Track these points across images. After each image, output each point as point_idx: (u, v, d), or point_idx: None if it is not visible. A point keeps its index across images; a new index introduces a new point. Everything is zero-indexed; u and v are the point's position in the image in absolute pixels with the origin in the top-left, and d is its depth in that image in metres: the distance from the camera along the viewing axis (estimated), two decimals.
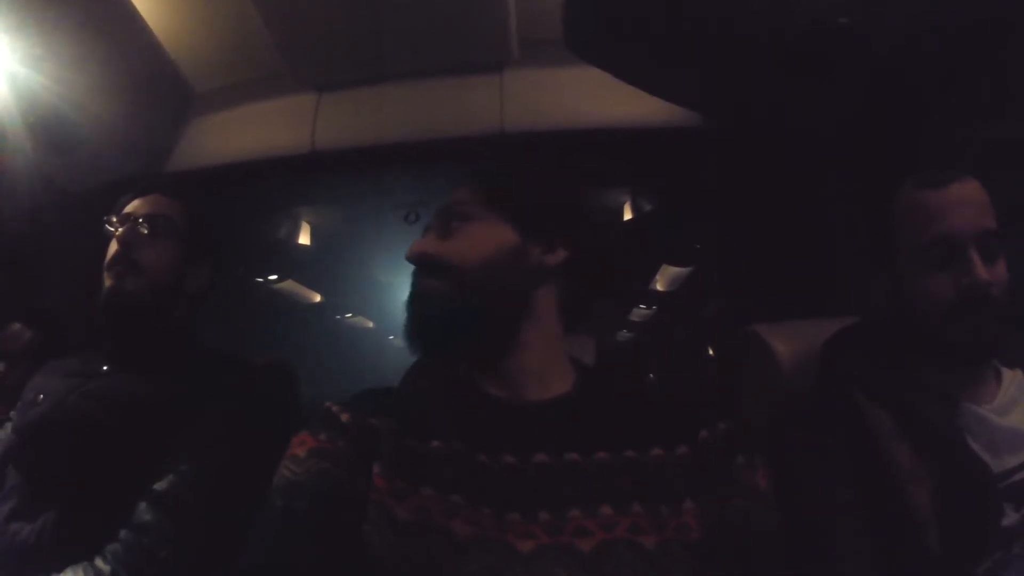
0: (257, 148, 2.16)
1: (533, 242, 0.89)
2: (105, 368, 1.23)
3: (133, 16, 1.70)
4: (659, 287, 4.95)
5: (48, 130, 1.66)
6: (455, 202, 0.91)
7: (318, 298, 6.06)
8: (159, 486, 1.08)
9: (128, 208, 1.27)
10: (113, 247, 1.23)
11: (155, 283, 1.24)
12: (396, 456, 0.79)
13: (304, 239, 4.16)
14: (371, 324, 7.72)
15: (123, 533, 1.05)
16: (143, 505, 1.07)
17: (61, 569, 1.01)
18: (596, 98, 1.97)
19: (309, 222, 4.14)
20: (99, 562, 1.02)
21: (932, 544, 0.87)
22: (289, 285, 5.40)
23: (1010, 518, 0.89)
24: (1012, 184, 1.06)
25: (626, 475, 0.77)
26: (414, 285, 0.90)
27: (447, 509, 0.74)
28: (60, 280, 1.83)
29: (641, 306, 5.90)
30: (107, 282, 1.22)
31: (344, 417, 0.84)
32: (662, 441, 0.81)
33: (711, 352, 4.50)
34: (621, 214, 3.49)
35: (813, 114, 1.55)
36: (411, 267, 0.91)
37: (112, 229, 1.24)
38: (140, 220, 1.24)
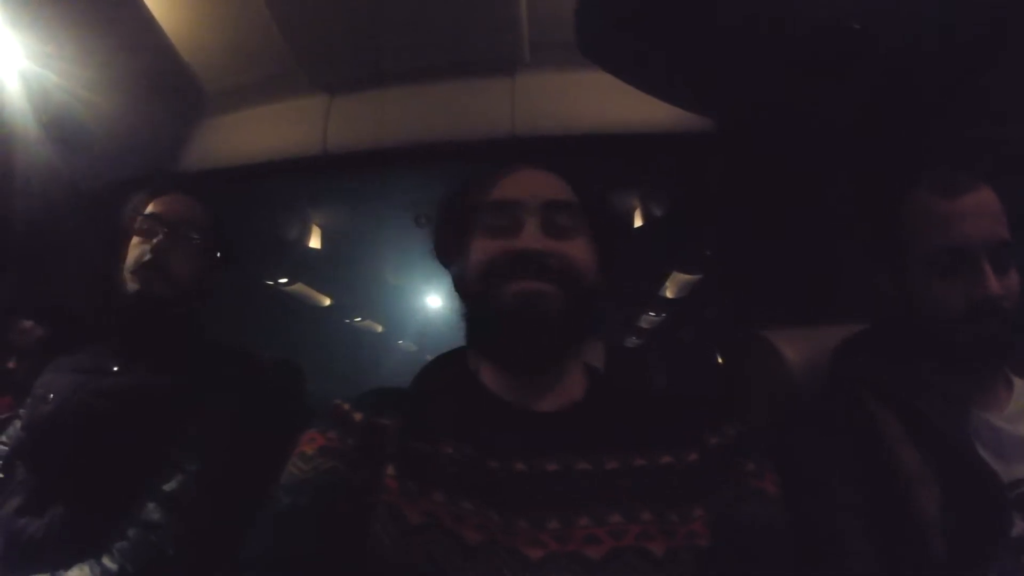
0: (269, 149, 2.18)
1: (602, 266, 0.88)
2: (116, 367, 1.23)
3: (145, 16, 1.71)
4: (668, 293, 4.94)
5: (60, 127, 1.67)
6: (561, 201, 0.87)
7: (328, 301, 6.06)
8: (168, 486, 1.08)
9: (152, 208, 1.26)
10: (139, 249, 1.23)
11: (181, 287, 1.24)
12: (407, 458, 0.79)
13: (314, 242, 4.17)
14: (380, 328, 7.73)
15: (131, 531, 1.05)
16: (151, 504, 1.07)
17: (68, 564, 1.01)
18: (607, 102, 1.97)
19: (319, 224, 4.16)
20: (107, 560, 1.02)
21: (938, 550, 0.86)
22: (299, 288, 5.41)
23: (1019, 528, 0.88)
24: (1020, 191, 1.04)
25: (636, 483, 0.77)
26: (519, 283, 0.81)
27: (457, 514, 0.74)
28: (71, 276, 1.84)
29: (650, 313, 5.89)
30: (133, 284, 1.22)
31: (356, 416, 0.84)
32: (671, 448, 0.80)
33: (720, 359, 4.48)
34: (632, 219, 3.49)
35: (823, 116, 1.55)
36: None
37: (140, 230, 1.24)
38: (173, 226, 1.24)
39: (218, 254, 1.31)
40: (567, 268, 0.82)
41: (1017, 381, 1.01)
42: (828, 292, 1.68)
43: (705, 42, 1.43)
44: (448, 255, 0.94)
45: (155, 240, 1.22)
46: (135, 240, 1.24)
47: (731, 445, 0.82)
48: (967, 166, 1.01)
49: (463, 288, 0.89)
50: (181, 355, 1.23)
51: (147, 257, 1.21)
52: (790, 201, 1.82)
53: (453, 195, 0.94)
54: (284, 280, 5.13)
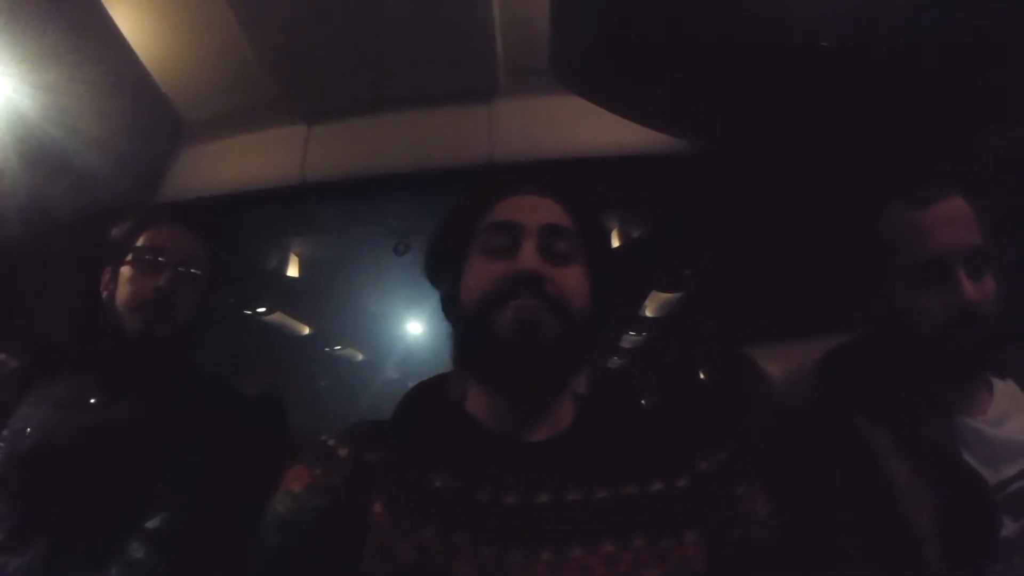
0: (247, 179, 2.17)
1: (595, 293, 0.88)
2: (93, 400, 1.21)
3: (124, 45, 1.71)
4: (648, 313, 4.96)
5: (39, 155, 1.66)
6: (559, 226, 0.86)
7: (307, 330, 6.02)
8: (151, 524, 1.06)
9: (149, 240, 1.24)
10: (139, 284, 1.21)
11: (182, 325, 1.24)
12: (396, 494, 0.78)
13: (293, 270, 4.15)
14: (361, 356, 7.67)
15: (114, 570, 1.02)
16: (135, 543, 1.05)
17: None
18: (584, 126, 1.99)
19: (298, 253, 4.14)
20: None
21: (933, 559, 0.87)
22: (278, 317, 5.36)
23: (1009, 528, 0.90)
24: (1006, 196, 1.07)
25: (627, 511, 0.77)
26: (516, 306, 0.80)
27: (448, 550, 0.73)
28: (48, 306, 1.81)
29: (631, 332, 5.90)
30: (134, 323, 1.20)
31: (341, 452, 0.83)
32: (662, 474, 0.81)
33: (702, 376, 4.50)
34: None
35: (809, 132, 1.57)
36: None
37: (138, 263, 1.22)
38: (176, 263, 1.22)
39: (212, 286, 1.30)
40: (562, 295, 0.82)
41: (998, 383, 1.03)
42: (820, 309, 1.69)
43: (676, 67, 1.45)
44: (440, 275, 0.93)
45: (161, 278, 1.20)
46: (130, 272, 1.22)
47: (721, 469, 0.82)
48: (946, 175, 1.04)
49: (456, 310, 0.88)
50: (166, 389, 1.22)
51: (151, 296, 1.19)
52: (776, 220, 1.84)
53: (449, 214, 0.94)
54: (263, 309, 5.08)
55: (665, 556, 0.74)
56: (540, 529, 0.75)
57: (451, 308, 0.90)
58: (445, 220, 0.94)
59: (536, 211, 0.87)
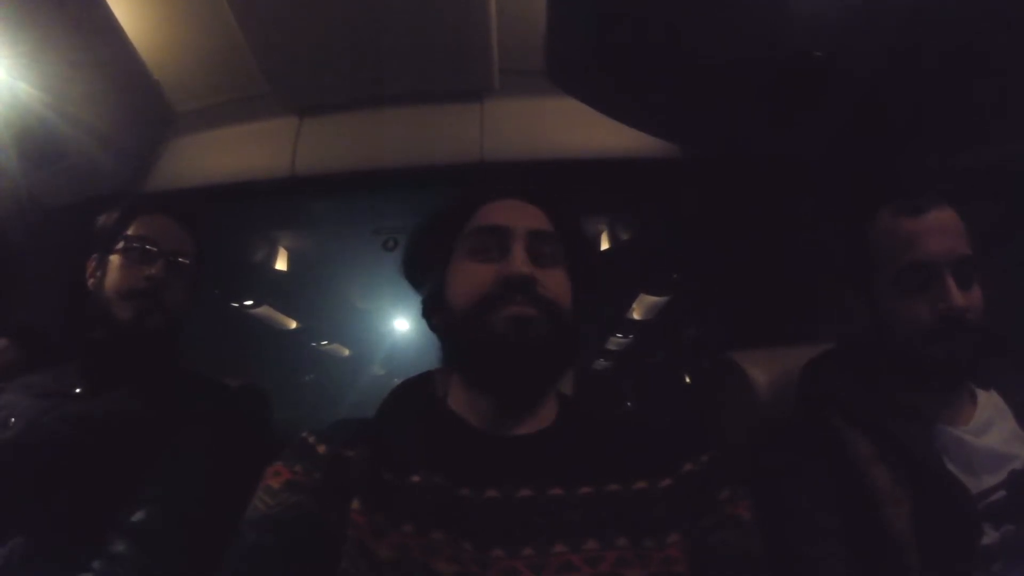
0: (237, 171, 2.15)
1: (577, 297, 0.89)
2: (79, 389, 1.20)
3: (118, 34, 1.70)
4: (636, 316, 4.97)
5: (30, 142, 1.64)
6: (544, 231, 0.89)
7: (294, 324, 5.98)
8: (135, 517, 1.06)
9: (139, 230, 1.24)
10: (129, 273, 1.21)
11: (173, 318, 1.24)
12: (375, 491, 0.78)
13: (281, 264, 4.13)
14: (347, 352, 7.64)
15: (96, 563, 1.01)
16: (117, 536, 1.04)
17: None
18: (575, 128, 1.99)
19: (286, 247, 4.12)
20: None
21: (912, 566, 0.88)
22: (265, 311, 5.33)
23: (989, 537, 0.91)
24: (986, 211, 1.08)
25: (610, 508, 0.77)
26: (509, 308, 0.82)
27: (428, 546, 0.73)
28: (34, 294, 1.79)
29: (618, 335, 5.91)
30: (124, 312, 1.20)
31: (321, 448, 0.83)
32: (646, 474, 0.81)
33: (687, 380, 4.52)
34: (599, 244, 3.51)
35: (794, 141, 1.58)
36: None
37: (128, 252, 1.22)
38: (168, 254, 1.23)
39: (198, 279, 1.30)
40: (550, 296, 0.83)
41: (981, 393, 1.05)
42: (803, 316, 1.70)
43: (674, 74, 1.46)
44: (420, 277, 0.94)
45: (152, 268, 1.20)
46: (120, 261, 1.21)
47: (705, 472, 0.83)
48: (931, 188, 1.05)
49: (443, 311, 0.88)
50: (151, 382, 1.21)
51: (142, 284, 1.19)
52: (765, 225, 1.85)
53: (432, 218, 0.95)
54: (250, 302, 5.05)
55: (648, 557, 0.74)
56: (521, 523, 0.75)
57: (436, 309, 0.90)
58: (427, 223, 0.96)
59: (521, 215, 0.89)
